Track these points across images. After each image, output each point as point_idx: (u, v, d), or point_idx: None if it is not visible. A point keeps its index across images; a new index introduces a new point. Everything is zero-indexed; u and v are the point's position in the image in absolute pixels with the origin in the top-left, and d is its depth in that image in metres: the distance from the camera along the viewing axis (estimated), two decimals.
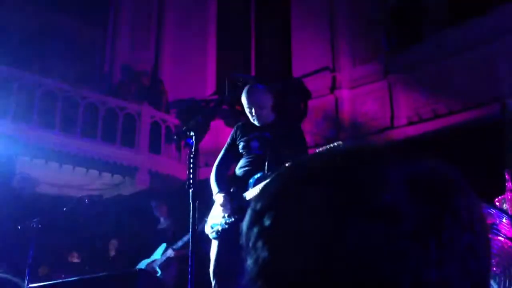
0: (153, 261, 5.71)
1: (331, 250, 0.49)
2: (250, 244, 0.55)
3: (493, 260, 3.26)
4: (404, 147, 0.60)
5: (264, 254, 0.53)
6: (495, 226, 3.18)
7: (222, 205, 3.42)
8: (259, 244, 0.54)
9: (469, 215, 0.53)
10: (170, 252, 5.61)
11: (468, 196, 0.55)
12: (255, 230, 0.55)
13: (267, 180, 0.65)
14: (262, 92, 3.59)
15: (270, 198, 0.56)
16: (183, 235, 5.39)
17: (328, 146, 3.18)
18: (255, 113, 3.53)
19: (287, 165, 0.62)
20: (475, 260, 0.52)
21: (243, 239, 0.57)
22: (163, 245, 5.73)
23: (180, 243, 5.49)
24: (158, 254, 5.75)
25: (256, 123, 3.57)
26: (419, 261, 0.49)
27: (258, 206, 0.56)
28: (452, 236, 0.51)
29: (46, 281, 6.24)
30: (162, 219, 6.13)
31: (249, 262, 0.55)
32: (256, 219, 0.55)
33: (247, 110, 3.58)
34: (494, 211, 3.25)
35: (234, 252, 3.39)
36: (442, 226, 0.50)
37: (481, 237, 0.54)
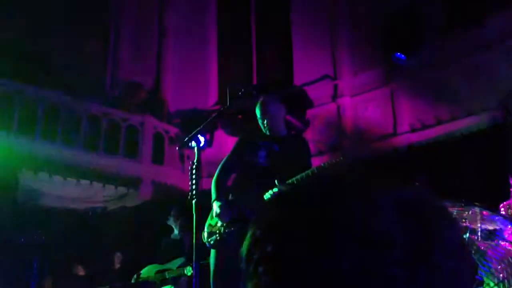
0: (166, 270, 5.65)
1: (328, 276, 0.52)
2: (251, 269, 0.57)
3: (498, 266, 3.24)
4: (390, 174, 0.63)
5: (265, 278, 0.55)
6: (499, 233, 3.17)
7: (220, 214, 3.41)
8: (261, 269, 0.56)
9: (453, 243, 0.57)
10: (188, 270, 5.55)
11: (452, 224, 0.59)
12: (256, 256, 0.57)
13: (265, 204, 0.67)
14: (275, 104, 3.61)
15: (269, 224, 0.59)
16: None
17: (331, 161, 3.20)
18: (268, 124, 3.55)
19: (283, 190, 0.64)
20: (459, 283, 0.56)
21: (242, 264, 0.59)
22: (181, 259, 5.63)
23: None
24: (174, 265, 5.65)
25: (267, 133, 3.58)
26: (409, 286, 0.52)
27: (258, 232, 0.58)
28: (439, 263, 0.54)
29: None
30: (176, 229, 6.09)
31: (249, 286, 0.57)
32: (257, 245, 0.57)
33: (260, 121, 3.59)
34: (498, 218, 3.24)
35: (233, 261, 3.39)
36: (430, 253, 0.54)
37: (464, 262, 0.57)
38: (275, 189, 3.30)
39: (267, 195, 3.33)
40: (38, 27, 9.44)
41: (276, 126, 3.59)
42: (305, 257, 0.53)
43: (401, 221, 0.54)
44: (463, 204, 3.40)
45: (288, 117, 3.84)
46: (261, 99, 3.64)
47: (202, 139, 3.22)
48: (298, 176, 3.22)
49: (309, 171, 3.21)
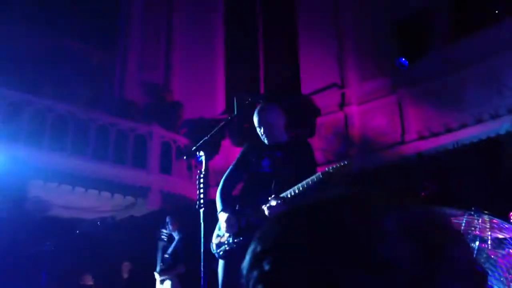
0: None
1: None
2: (250, 287, 0.57)
3: (509, 275, 3.21)
4: (396, 192, 0.62)
5: None
6: (509, 241, 3.13)
7: (228, 224, 3.40)
8: (259, 287, 0.55)
9: (460, 263, 0.55)
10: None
11: (459, 243, 0.57)
12: (255, 273, 0.56)
13: (270, 221, 0.66)
14: (273, 111, 3.59)
15: (269, 242, 0.58)
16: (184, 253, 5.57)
17: (336, 166, 3.18)
18: (265, 132, 3.53)
19: (287, 209, 0.63)
20: None
21: (243, 280, 0.58)
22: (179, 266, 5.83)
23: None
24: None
25: (266, 141, 3.56)
26: None
27: (258, 248, 0.58)
28: (445, 285, 0.53)
29: None
30: (173, 234, 6.18)
31: None
32: (256, 263, 0.57)
33: (257, 129, 3.58)
34: (508, 226, 3.21)
35: (241, 272, 3.38)
36: (436, 276, 0.52)
37: (471, 282, 0.56)
38: (271, 202, 3.28)
39: (263, 208, 3.31)
40: (46, 35, 9.53)
41: (274, 133, 3.56)
42: (302, 280, 0.52)
43: (405, 244, 0.52)
44: (472, 213, 3.37)
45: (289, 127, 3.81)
46: (258, 107, 3.61)
47: (202, 154, 3.21)
48: (304, 183, 3.20)
49: (314, 177, 3.19)
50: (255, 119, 3.57)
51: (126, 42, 10.64)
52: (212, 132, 3.27)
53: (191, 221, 6.00)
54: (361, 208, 0.57)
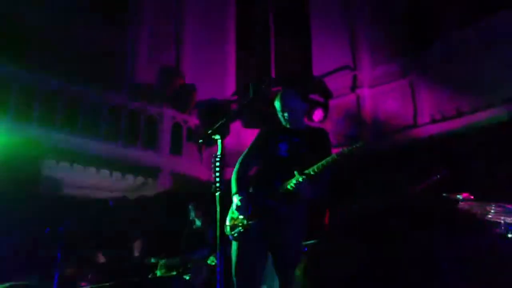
0: (189, 261, 5.73)
1: None
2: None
3: None
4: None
5: None
6: None
7: (241, 207, 3.43)
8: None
9: None
10: (211, 259, 5.60)
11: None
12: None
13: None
14: (296, 97, 3.62)
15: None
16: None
17: (350, 147, 3.19)
18: (288, 117, 3.56)
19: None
20: None
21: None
22: (204, 250, 5.69)
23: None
24: (196, 256, 5.71)
25: (287, 126, 3.59)
26: None
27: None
28: None
29: (73, 282, 6.36)
30: (198, 221, 6.14)
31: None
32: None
33: (279, 114, 3.61)
34: None
35: (254, 254, 3.41)
36: None
37: None
38: (294, 179, 3.31)
39: (289, 185, 3.34)
40: (57, 16, 9.52)
41: (296, 119, 3.60)
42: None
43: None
44: (488, 199, 3.39)
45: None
46: (281, 92, 3.65)
47: (218, 138, 3.22)
48: (319, 164, 3.23)
49: (329, 158, 3.21)
50: (278, 104, 3.60)
51: (137, 24, 10.60)
52: (230, 114, 3.28)
53: (203, 201, 6.06)
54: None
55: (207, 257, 5.62)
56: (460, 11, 7.66)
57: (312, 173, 3.25)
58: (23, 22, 8.85)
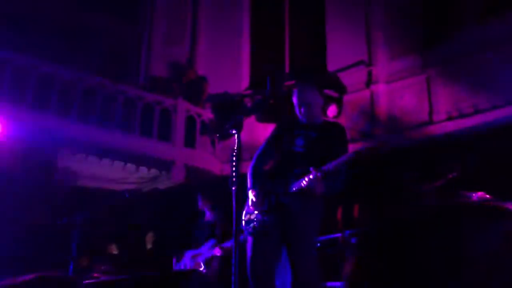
0: (199, 255, 5.75)
1: None
2: None
3: None
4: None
5: None
6: None
7: (257, 202, 3.44)
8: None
9: None
10: (218, 251, 5.63)
11: None
12: None
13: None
14: (312, 91, 3.60)
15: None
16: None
17: (368, 147, 3.18)
18: (305, 112, 3.56)
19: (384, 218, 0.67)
20: None
21: None
22: (212, 241, 5.72)
23: (228, 244, 5.47)
24: (205, 249, 5.74)
25: (304, 121, 3.59)
26: None
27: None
28: None
29: (87, 272, 6.42)
30: (207, 213, 6.16)
31: None
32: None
33: (297, 108, 3.60)
34: None
35: (269, 248, 3.42)
36: None
37: None
38: (307, 177, 3.30)
39: (302, 182, 3.33)
40: (72, 9, 9.56)
41: (313, 113, 3.59)
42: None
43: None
44: (504, 199, 3.33)
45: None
46: (298, 86, 3.64)
47: (235, 132, 3.22)
48: (335, 162, 3.22)
49: (345, 157, 3.20)
50: (295, 99, 3.59)
51: (152, 14, 10.62)
52: (249, 109, 3.29)
53: (216, 195, 6.07)
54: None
55: (214, 249, 5.67)
56: (482, 5, 7.54)
57: (326, 171, 3.24)
58: (42, 12, 8.91)
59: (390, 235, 0.64)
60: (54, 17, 9.22)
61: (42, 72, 8.02)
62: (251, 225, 3.48)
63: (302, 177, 3.36)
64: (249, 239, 3.51)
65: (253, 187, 3.52)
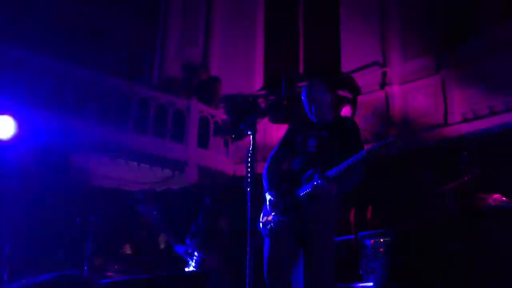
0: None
1: None
2: None
3: None
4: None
5: None
6: None
7: (273, 203, 3.44)
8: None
9: None
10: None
11: None
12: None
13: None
14: (322, 89, 3.59)
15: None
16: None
17: (381, 143, 3.16)
18: (315, 110, 3.55)
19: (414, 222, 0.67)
20: None
21: None
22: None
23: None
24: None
25: (314, 120, 3.58)
26: None
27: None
28: None
29: (100, 272, 6.46)
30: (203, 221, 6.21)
31: None
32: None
33: (306, 107, 3.59)
34: None
35: (285, 250, 3.42)
36: None
37: None
38: (315, 181, 3.29)
39: (308, 187, 3.32)
40: (87, 10, 9.64)
41: (323, 111, 3.57)
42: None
43: None
44: None
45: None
46: (307, 85, 3.63)
47: (250, 133, 3.23)
48: (345, 162, 3.20)
49: (359, 155, 3.19)
50: (304, 97, 3.58)
51: (166, 15, 10.67)
52: (263, 110, 3.30)
53: (227, 195, 6.08)
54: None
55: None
56: (498, 7, 7.46)
57: (330, 176, 3.23)
58: (58, 13, 9.00)
59: (430, 235, 0.64)
60: (70, 18, 9.30)
61: (58, 73, 8.09)
62: (268, 226, 3.49)
63: (312, 180, 3.36)
64: (266, 240, 3.51)
65: (269, 190, 3.53)
